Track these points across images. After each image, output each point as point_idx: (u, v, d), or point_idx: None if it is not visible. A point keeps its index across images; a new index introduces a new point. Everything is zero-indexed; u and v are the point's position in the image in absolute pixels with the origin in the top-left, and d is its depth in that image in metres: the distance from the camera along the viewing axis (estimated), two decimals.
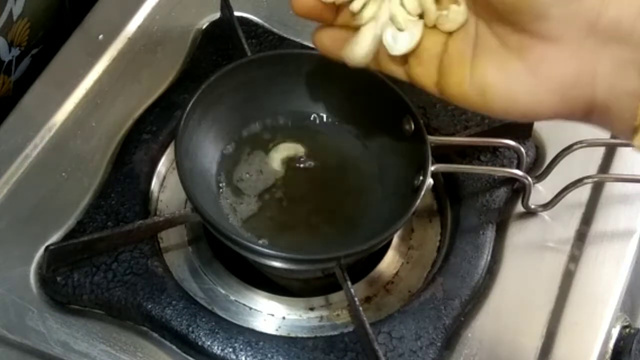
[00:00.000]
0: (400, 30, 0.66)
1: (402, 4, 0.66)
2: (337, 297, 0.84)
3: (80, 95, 0.93)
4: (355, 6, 0.66)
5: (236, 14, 0.96)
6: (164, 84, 0.94)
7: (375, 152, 0.88)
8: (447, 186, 0.89)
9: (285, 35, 0.98)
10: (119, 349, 0.79)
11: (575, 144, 0.86)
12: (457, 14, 0.64)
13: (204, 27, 0.99)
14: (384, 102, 0.87)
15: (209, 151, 0.87)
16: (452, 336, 0.81)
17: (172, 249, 0.86)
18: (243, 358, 0.78)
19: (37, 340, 0.79)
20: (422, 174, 0.81)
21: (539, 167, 0.90)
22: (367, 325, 0.77)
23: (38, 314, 0.80)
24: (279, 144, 0.88)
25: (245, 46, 0.92)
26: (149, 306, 0.80)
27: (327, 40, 0.70)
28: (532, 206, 0.87)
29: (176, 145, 0.81)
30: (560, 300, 0.83)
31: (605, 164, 0.91)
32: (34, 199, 0.86)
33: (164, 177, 0.90)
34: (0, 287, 0.81)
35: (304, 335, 0.81)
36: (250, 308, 0.83)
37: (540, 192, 0.88)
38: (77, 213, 0.85)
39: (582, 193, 0.88)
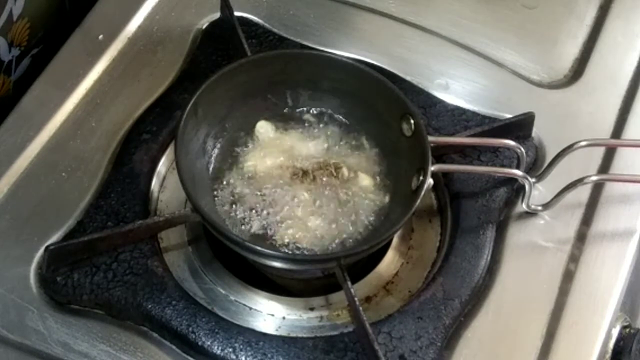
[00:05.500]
0: None
1: None
2: (337, 297, 0.83)
3: (80, 95, 0.93)
4: None
5: (236, 14, 0.96)
6: (164, 84, 0.94)
7: (375, 152, 0.88)
8: (447, 186, 0.89)
9: (285, 35, 0.98)
10: (119, 349, 0.79)
11: (575, 144, 0.86)
12: None
13: (204, 27, 0.99)
14: (384, 102, 0.87)
15: (209, 151, 0.87)
16: (452, 336, 0.81)
17: (172, 249, 0.86)
18: (243, 358, 0.78)
19: (37, 340, 0.79)
20: (422, 174, 0.81)
21: (539, 167, 0.90)
22: (367, 325, 0.77)
23: (38, 314, 0.80)
24: (279, 143, 0.88)
25: (245, 46, 0.92)
26: (149, 306, 0.80)
27: None
28: (532, 206, 0.87)
29: (176, 145, 0.81)
30: (560, 300, 0.83)
31: (605, 164, 0.91)
32: (34, 199, 0.86)
33: (164, 177, 0.90)
34: (0, 287, 0.81)
35: (304, 335, 0.81)
36: (250, 308, 0.83)
37: (540, 192, 0.88)
38: (77, 213, 0.85)
39: (582, 193, 0.88)
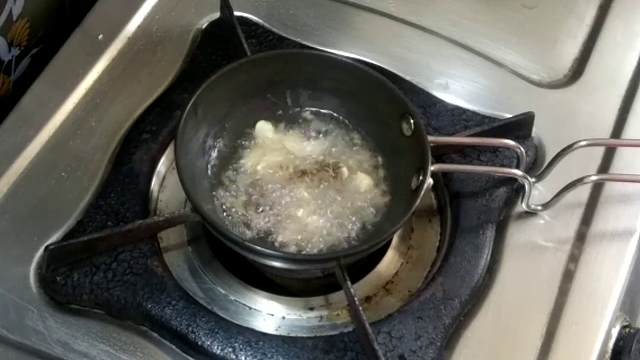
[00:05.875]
0: None
1: None
2: (337, 297, 0.84)
3: (80, 95, 0.93)
4: None
5: (236, 14, 0.96)
6: (164, 84, 0.94)
7: (375, 152, 0.88)
8: (447, 186, 0.89)
9: (285, 35, 0.98)
10: (119, 349, 0.79)
11: (575, 143, 0.86)
12: None
13: (204, 27, 0.99)
14: (384, 102, 0.87)
15: (209, 151, 0.87)
16: (452, 336, 0.81)
17: (172, 249, 0.86)
18: (243, 358, 0.78)
19: (37, 341, 0.79)
20: (422, 174, 0.81)
21: (539, 167, 0.90)
22: (367, 325, 0.77)
23: (38, 314, 0.80)
24: (279, 143, 0.88)
25: (245, 46, 0.92)
26: (149, 306, 0.80)
27: None
28: (532, 206, 0.87)
29: (176, 145, 0.81)
30: (560, 300, 0.83)
31: (605, 164, 0.91)
32: (34, 199, 0.86)
33: (164, 177, 0.90)
34: (0, 287, 0.81)
35: (304, 335, 0.81)
36: (250, 308, 0.83)
37: (541, 192, 0.88)
38: (77, 213, 0.85)
39: (582, 193, 0.88)
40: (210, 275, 0.84)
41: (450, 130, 0.91)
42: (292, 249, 0.83)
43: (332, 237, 0.84)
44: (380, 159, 0.88)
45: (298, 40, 0.98)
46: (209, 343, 0.78)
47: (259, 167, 0.87)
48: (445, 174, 0.89)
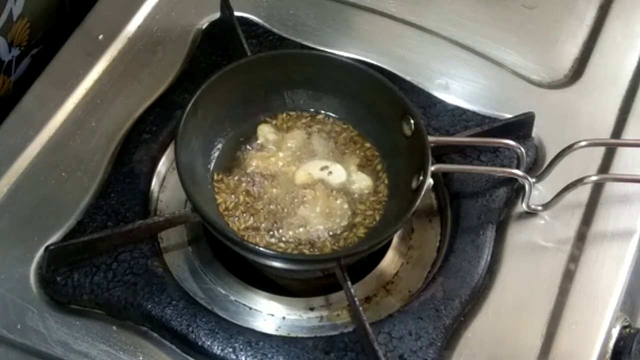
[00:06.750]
0: None
1: None
2: (337, 297, 0.84)
3: (80, 95, 0.93)
4: None
5: (236, 14, 0.96)
6: (164, 84, 0.94)
7: (375, 152, 0.88)
8: (447, 186, 0.89)
9: (285, 35, 0.98)
10: (119, 348, 0.79)
11: (575, 143, 0.86)
12: None
13: (204, 27, 0.99)
14: (384, 102, 0.87)
15: (209, 151, 0.87)
16: (452, 336, 0.81)
17: (172, 249, 0.86)
18: (243, 358, 0.78)
19: (37, 340, 0.79)
20: (422, 174, 0.81)
21: (539, 167, 0.90)
22: (367, 326, 0.77)
23: (38, 314, 0.80)
24: (279, 143, 0.88)
25: (245, 46, 0.92)
26: (149, 306, 0.80)
27: None
28: (532, 206, 0.87)
29: (176, 145, 0.81)
30: (560, 300, 0.83)
31: (605, 164, 0.91)
32: (34, 199, 0.86)
33: (164, 177, 0.90)
34: (0, 287, 0.81)
35: (304, 335, 0.81)
36: (250, 308, 0.83)
37: (540, 192, 0.88)
38: (77, 213, 0.85)
39: (582, 193, 0.88)
40: (210, 275, 0.84)
41: (450, 130, 0.91)
42: (292, 248, 0.83)
43: (332, 237, 0.84)
44: (380, 159, 0.88)
45: (298, 40, 0.98)
46: (209, 343, 0.78)
47: (259, 167, 0.87)
48: (445, 174, 0.89)
